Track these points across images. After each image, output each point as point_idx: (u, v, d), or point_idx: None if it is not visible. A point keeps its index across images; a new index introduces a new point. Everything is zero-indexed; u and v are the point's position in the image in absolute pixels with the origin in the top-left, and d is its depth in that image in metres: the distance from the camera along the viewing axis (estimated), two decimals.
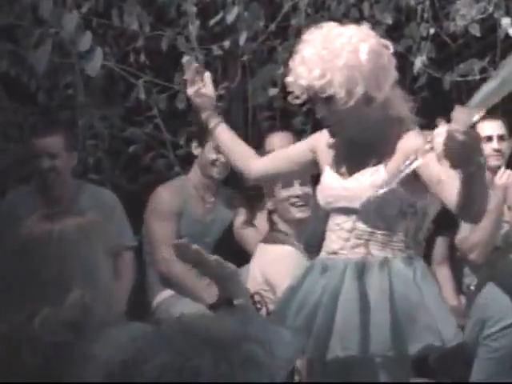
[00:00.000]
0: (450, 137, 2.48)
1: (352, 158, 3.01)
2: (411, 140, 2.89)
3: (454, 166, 2.58)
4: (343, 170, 3.03)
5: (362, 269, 2.96)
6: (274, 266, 3.77)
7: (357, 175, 2.97)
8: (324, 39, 2.87)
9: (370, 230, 2.97)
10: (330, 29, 2.91)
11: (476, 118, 2.53)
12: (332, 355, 2.95)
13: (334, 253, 3.04)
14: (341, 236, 3.02)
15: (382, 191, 2.84)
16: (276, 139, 4.55)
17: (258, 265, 3.89)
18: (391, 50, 2.94)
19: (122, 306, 4.21)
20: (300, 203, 3.85)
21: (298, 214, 3.85)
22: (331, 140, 3.06)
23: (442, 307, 3.03)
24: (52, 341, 2.13)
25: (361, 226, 2.98)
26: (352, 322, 2.91)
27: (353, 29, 2.93)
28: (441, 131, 2.50)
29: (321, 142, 3.12)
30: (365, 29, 2.97)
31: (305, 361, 3.52)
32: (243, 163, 3.24)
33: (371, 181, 2.92)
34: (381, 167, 2.92)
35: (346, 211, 2.99)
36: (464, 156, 2.53)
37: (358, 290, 2.93)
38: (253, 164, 3.22)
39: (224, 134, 3.25)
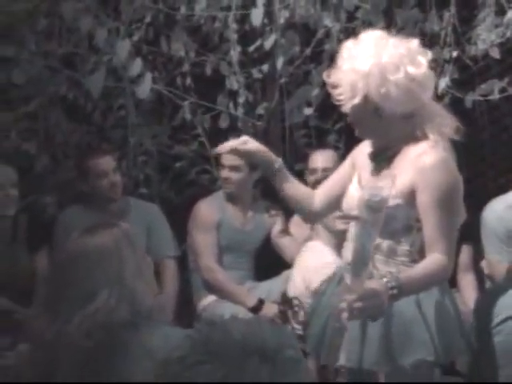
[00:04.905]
0: (351, 308, 2.51)
1: (374, 172, 2.87)
2: (421, 155, 2.74)
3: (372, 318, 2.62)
4: (364, 181, 2.88)
5: None
6: (315, 274, 3.72)
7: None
8: (362, 39, 2.78)
9: (375, 242, 2.72)
10: (374, 34, 2.80)
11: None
12: (339, 364, 2.89)
13: (349, 264, 2.83)
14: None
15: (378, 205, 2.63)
16: (319, 157, 4.50)
17: (301, 272, 3.86)
18: (421, 69, 2.73)
19: (170, 310, 4.25)
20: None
21: (341, 224, 3.80)
22: (362, 152, 2.95)
23: (447, 324, 2.83)
24: (88, 344, 2.16)
25: None
26: (354, 334, 2.80)
27: (384, 39, 2.76)
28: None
29: (357, 154, 3.02)
30: (396, 42, 2.76)
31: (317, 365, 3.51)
32: (307, 202, 3.06)
33: None
34: (389, 182, 2.68)
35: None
36: (377, 310, 2.56)
37: None
38: (315, 201, 3.07)
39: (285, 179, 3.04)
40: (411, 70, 2.71)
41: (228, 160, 4.38)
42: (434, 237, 2.70)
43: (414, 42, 2.80)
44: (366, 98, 2.73)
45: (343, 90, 2.75)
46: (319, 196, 3.07)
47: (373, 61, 2.70)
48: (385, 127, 2.79)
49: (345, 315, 2.53)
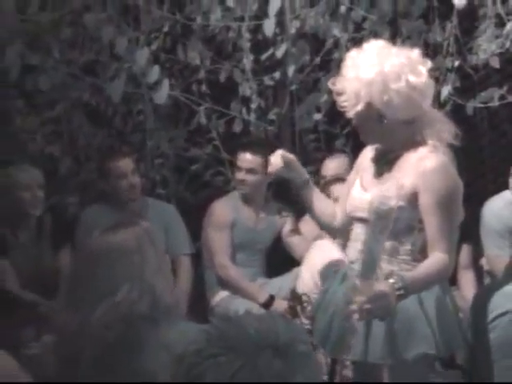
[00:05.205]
0: (361, 310, 2.62)
1: (376, 174, 2.97)
2: (422, 159, 2.84)
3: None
4: (366, 183, 2.98)
5: None
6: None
7: (373, 189, 2.91)
8: (365, 49, 2.88)
9: None
10: (377, 44, 2.89)
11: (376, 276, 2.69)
12: (344, 357, 3.03)
13: (353, 262, 2.98)
14: (357, 247, 2.95)
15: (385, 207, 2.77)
16: (330, 165, 4.60)
17: (309, 269, 3.93)
18: (422, 78, 2.81)
19: (183, 305, 4.31)
20: None
21: None
22: (366, 156, 3.05)
23: (447, 319, 2.92)
24: (108, 335, 2.19)
25: None
26: (359, 330, 2.88)
27: (386, 49, 2.86)
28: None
29: (360, 160, 3.10)
30: (398, 52, 2.85)
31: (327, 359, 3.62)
32: (332, 217, 3.13)
33: None
34: (392, 185, 2.83)
35: (363, 222, 2.91)
36: (385, 311, 2.68)
37: None
38: (337, 217, 3.13)
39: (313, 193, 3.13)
40: (412, 78, 2.80)
41: (245, 163, 4.46)
42: (436, 237, 2.82)
43: (415, 52, 2.89)
44: (369, 105, 2.83)
45: (347, 97, 2.85)
46: (338, 213, 3.12)
47: (376, 69, 2.79)
48: (387, 132, 2.88)
49: (355, 316, 2.66)
